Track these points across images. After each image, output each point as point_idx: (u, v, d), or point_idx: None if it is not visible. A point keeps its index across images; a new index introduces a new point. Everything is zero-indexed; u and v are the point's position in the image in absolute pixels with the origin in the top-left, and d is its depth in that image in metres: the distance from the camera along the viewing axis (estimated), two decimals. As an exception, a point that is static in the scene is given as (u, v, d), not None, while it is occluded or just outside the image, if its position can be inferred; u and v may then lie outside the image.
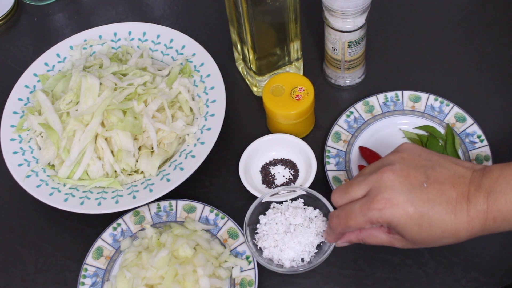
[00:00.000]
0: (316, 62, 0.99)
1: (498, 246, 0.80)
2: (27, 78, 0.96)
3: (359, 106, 0.91)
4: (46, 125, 0.87)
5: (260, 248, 0.77)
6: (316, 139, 0.91)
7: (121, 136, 0.85)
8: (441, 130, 0.88)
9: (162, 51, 0.98)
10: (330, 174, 0.85)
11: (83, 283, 0.80)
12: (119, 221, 0.84)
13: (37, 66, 0.97)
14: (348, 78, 0.95)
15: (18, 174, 0.86)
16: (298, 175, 0.87)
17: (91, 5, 1.12)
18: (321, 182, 0.86)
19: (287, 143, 0.88)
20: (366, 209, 0.64)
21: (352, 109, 0.91)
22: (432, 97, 0.91)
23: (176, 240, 0.79)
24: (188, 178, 0.83)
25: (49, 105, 0.88)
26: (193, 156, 0.85)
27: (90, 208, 0.82)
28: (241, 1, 0.81)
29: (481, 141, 0.86)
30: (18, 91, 0.95)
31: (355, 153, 0.88)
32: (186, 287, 0.75)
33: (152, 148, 0.86)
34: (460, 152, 0.86)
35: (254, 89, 0.96)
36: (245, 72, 0.97)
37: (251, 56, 0.89)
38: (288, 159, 0.88)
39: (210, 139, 0.86)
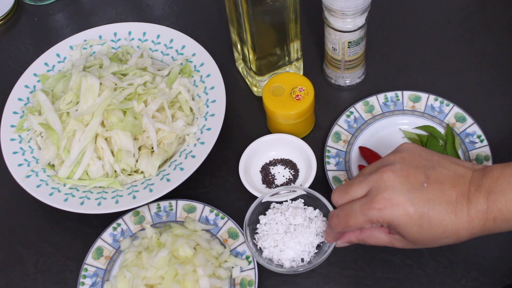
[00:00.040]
0: (316, 62, 0.99)
1: (498, 246, 0.80)
2: (27, 78, 0.96)
3: (359, 106, 0.91)
4: (46, 125, 0.87)
5: (260, 248, 0.77)
6: (316, 139, 0.91)
7: (121, 136, 0.85)
8: (441, 130, 0.88)
9: (162, 51, 0.98)
10: (330, 174, 0.85)
11: (83, 283, 0.80)
12: (119, 221, 0.84)
13: (37, 66, 0.97)
14: (348, 78, 0.95)
15: (18, 174, 0.86)
16: (298, 175, 0.87)
17: (91, 5, 1.12)
18: (321, 182, 0.86)
19: (287, 143, 0.88)
20: (366, 209, 0.64)
21: (352, 109, 0.91)
22: (432, 97, 0.91)
23: (176, 240, 0.79)
24: (188, 178, 0.83)
25: (49, 105, 0.88)
26: (193, 156, 0.85)
27: (90, 208, 0.82)
28: (241, 1, 0.81)
29: (481, 141, 0.86)
30: (18, 91, 0.95)
31: (355, 153, 0.88)
32: (186, 287, 0.75)
33: (152, 148, 0.86)
34: (460, 152, 0.86)
35: (254, 89, 0.96)
36: (245, 72, 0.97)
37: (251, 56, 0.89)
38: (288, 159, 0.88)
39: (210, 139, 0.86)
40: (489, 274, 0.78)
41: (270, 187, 0.87)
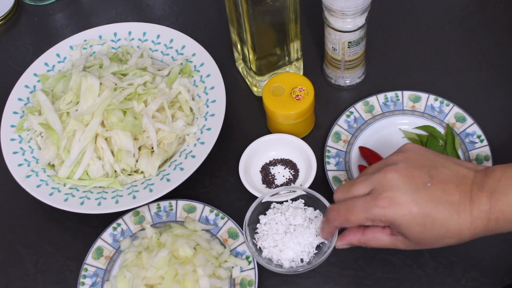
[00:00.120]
0: (316, 62, 0.99)
1: (498, 246, 0.80)
2: (27, 78, 0.96)
3: (359, 106, 0.91)
4: (46, 125, 0.87)
5: (260, 248, 0.77)
6: (316, 139, 0.91)
7: (121, 136, 0.85)
8: (441, 130, 0.88)
9: (162, 51, 0.98)
10: (330, 174, 0.85)
11: (83, 283, 0.80)
12: (119, 221, 0.84)
13: (37, 66, 0.97)
14: (348, 78, 0.95)
15: (18, 174, 0.86)
16: (298, 175, 0.87)
17: (91, 5, 1.12)
18: (321, 182, 0.86)
19: (287, 143, 0.88)
20: (370, 207, 0.64)
21: (352, 109, 0.91)
22: (432, 97, 0.91)
23: (176, 240, 0.79)
24: (188, 178, 0.83)
25: (49, 105, 0.88)
26: (193, 156, 0.85)
27: (90, 208, 0.82)
28: (241, 1, 0.81)
29: (481, 141, 0.86)
30: (18, 91, 0.95)
31: (355, 153, 0.88)
32: (186, 287, 0.75)
33: (152, 148, 0.86)
34: (460, 152, 0.86)
35: (254, 89, 0.96)
36: (245, 72, 0.97)
37: (251, 56, 0.89)
38: (288, 159, 0.88)
39: (210, 139, 0.86)
40: (489, 274, 0.78)
41: (270, 187, 0.87)
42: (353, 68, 0.93)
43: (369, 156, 0.86)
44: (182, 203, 0.85)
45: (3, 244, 0.87)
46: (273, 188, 0.86)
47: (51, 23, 1.11)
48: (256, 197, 0.82)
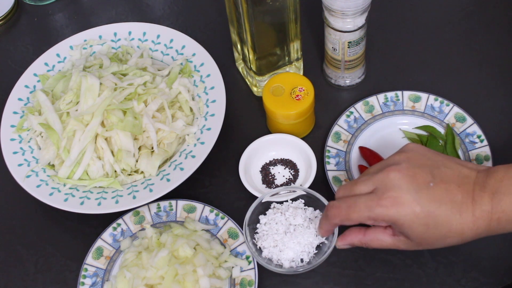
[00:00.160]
0: (316, 62, 0.99)
1: (498, 246, 0.80)
2: (27, 78, 0.96)
3: (359, 106, 0.91)
4: (46, 125, 0.87)
5: (260, 248, 0.77)
6: (316, 139, 0.91)
7: (121, 136, 0.85)
8: (441, 130, 0.88)
9: (162, 51, 0.98)
10: (330, 174, 0.85)
11: (83, 283, 0.80)
12: (119, 221, 0.84)
13: (37, 66, 0.97)
14: (348, 78, 0.95)
15: (18, 174, 0.86)
16: (298, 175, 0.87)
17: (91, 5, 1.12)
18: (321, 182, 0.86)
19: (287, 143, 0.88)
20: (374, 205, 0.64)
21: (352, 109, 0.91)
22: (432, 97, 0.91)
23: (176, 240, 0.79)
24: (188, 178, 0.83)
25: (49, 105, 0.88)
26: (193, 156, 0.85)
27: (90, 208, 0.82)
28: (241, 1, 0.81)
29: (481, 141, 0.86)
30: (18, 91, 0.95)
31: (355, 153, 0.88)
32: (186, 287, 0.75)
33: (152, 148, 0.86)
34: (460, 152, 0.86)
35: (254, 89, 0.96)
36: (245, 72, 0.97)
37: (251, 56, 0.89)
38: (288, 159, 0.88)
39: (210, 139, 0.86)
40: (489, 274, 0.78)
41: (270, 187, 0.87)
42: (353, 68, 0.93)
43: (369, 156, 0.86)
44: (182, 203, 0.85)
45: (3, 244, 0.87)
46: (273, 188, 0.86)
47: (51, 23, 1.11)
48: (256, 197, 0.82)
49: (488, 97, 0.93)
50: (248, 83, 0.97)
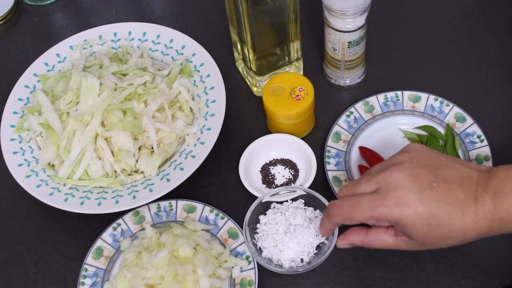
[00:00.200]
0: (316, 62, 0.99)
1: (498, 246, 0.80)
2: (27, 78, 0.96)
3: (359, 106, 0.91)
4: (46, 125, 0.87)
5: (260, 248, 0.77)
6: (316, 139, 0.91)
7: (121, 136, 0.85)
8: (441, 130, 0.88)
9: (162, 51, 0.98)
10: (330, 174, 0.85)
11: (83, 283, 0.80)
12: (119, 221, 0.84)
13: (37, 66, 0.97)
14: (348, 78, 0.95)
15: (18, 174, 0.86)
16: (298, 175, 0.87)
17: (91, 5, 1.12)
18: (321, 182, 0.86)
19: (287, 143, 0.88)
20: (377, 205, 0.64)
21: (352, 109, 0.91)
22: (432, 97, 0.91)
23: (176, 240, 0.79)
24: (188, 178, 0.83)
25: (49, 105, 0.88)
26: (193, 156, 0.85)
27: (90, 208, 0.82)
28: (241, 1, 0.81)
29: (481, 141, 0.86)
30: (18, 91, 0.95)
31: (355, 153, 0.88)
32: (186, 287, 0.75)
33: (152, 148, 0.86)
34: (460, 152, 0.86)
35: (254, 89, 0.96)
36: (245, 72, 0.97)
37: (251, 56, 0.89)
38: (288, 159, 0.88)
39: (210, 139, 0.86)
40: (489, 274, 0.78)
41: (270, 187, 0.87)
42: (353, 68, 0.93)
43: (369, 156, 0.86)
44: (182, 203, 0.85)
45: (3, 244, 0.87)
46: (273, 188, 0.86)
47: (51, 23, 1.11)
48: (256, 197, 0.82)
49: (488, 97, 0.93)
50: (248, 83, 0.97)
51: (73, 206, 0.83)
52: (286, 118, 0.87)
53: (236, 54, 0.97)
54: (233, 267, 0.79)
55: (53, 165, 0.88)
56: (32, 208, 0.89)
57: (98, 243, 0.82)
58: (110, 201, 0.83)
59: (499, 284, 0.77)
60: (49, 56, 0.98)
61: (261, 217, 0.79)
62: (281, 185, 0.86)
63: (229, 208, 0.86)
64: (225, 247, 0.80)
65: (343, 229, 0.72)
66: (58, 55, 0.98)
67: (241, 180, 0.85)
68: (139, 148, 0.87)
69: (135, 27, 1.00)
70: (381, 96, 0.91)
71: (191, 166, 0.84)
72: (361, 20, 0.85)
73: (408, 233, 0.65)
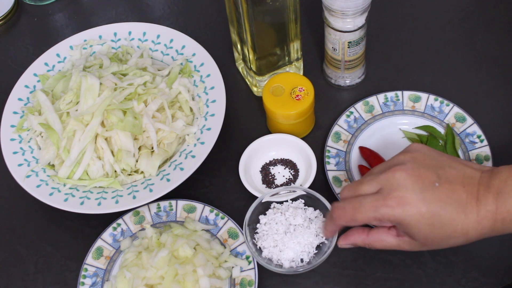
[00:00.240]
0: (316, 62, 0.99)
1: (498, 246, 0.80)
2: (27, 78, 0.96)
3: (359, 106, 0.91)
4: (46, 125, 0.87)
5: (260, 248, 0.77)
6: (316, 139, 0.91)
7: (121, 136, 0.85)
8: (441, 130, 0.88)
9: (162, 51, 0.98)
10: (330, 174, 0.85)
11: (83, 283, 0.80)
12: (119, 221, 0.84)
13: (37, 66, 0.97)
14: (348, 78, 0.95)
15: (18, 174, 0.86)
16: (298, 175, 0.87)
17: (91, 5, 1.12)
18: (321, 182, 0.86)
19: (287, 143, 0.88)
20: (379, 206, 0.64)
21: (352, 109, 0.91)
22: (432, 97, 0.91)
23: (176, 240, 0.79)
24: (188, 178, 0.83)
25: (49, 105, 0.88)
26: (193, 156, 0.85)
27: (90, 208, 0.82)
28: (241, 1, 0.81)
29: (481, 141, 0.86)
30: (18, 91, 0.95)
31: (355, 153, 0.88)
32: (186, 287, 0.75)
33: (152, 148, 0.86)
34: (460, 152, 0.86)
35: (254, 89, 0.96)
36: (245, 72, 0.97)
37: (251, 56, 0.89)
38: (288, 159, 0.88)
39: (210, 139, 0.86)
40: (489, 274, 0.78)
41: (270, 187, 0.87)
42: (353, 68, 0.93)
43: (369, 156, 0.86)
44: (182, 203, 0.85)
45: (3, 244, 0.87)
46: (273, 188, 0.86)
47: (51, 23, 1.11)
48: (256, 197, 0.82)
49: (488, 97, 0.93)
50: (248, 83, 0.97)
51: (73, 206, 0.83)
52: (286, 118, 0.87)
53: (236, 54, 0.97)
54: (233, 267, 0.79)
55: (53, 165, 0.88)
56: (32, 208, 0.89)
57: (98, 243, 0.82)
58: (110, 201, 0.83)
59: (499, 284, 0.77)
60: (49, 56, 0.98)
61: (261, 217, 0.79)
62: (281, 185, 0.86)
63: (229, 208, 0.86)
64: (225, 247, 0.80)
65: (345, 228, 0.72)
66: (58, 55, 0.98)
67: (241, 180, 0.85)
68: (139, 148, 0.87)
69: (135, 27, 1.00)
70: (381, 96, 0.91)
71: (191, 166, 0.84)
72: (361, 20, 0.85)
73: (410, 233, 0.65)
